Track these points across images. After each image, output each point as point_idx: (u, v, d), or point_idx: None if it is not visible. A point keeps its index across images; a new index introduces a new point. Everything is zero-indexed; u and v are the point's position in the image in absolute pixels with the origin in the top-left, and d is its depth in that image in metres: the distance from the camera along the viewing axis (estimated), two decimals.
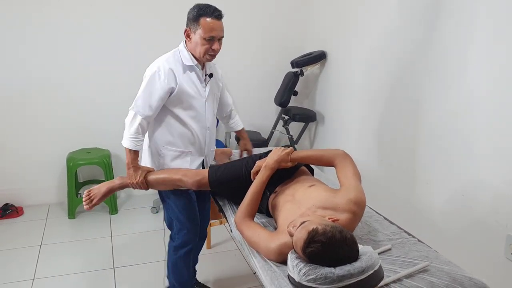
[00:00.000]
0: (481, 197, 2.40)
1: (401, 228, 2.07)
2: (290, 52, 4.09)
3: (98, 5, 3.65)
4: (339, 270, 1.44)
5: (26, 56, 3.59)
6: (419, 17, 2.78)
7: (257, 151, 2.80)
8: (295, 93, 3.93)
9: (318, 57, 3.90)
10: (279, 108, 4.07)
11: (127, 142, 2.21)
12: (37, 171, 3.83)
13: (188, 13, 2.22)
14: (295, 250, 1.59)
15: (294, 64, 3.86)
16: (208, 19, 2.16)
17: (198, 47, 2.20)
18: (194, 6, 2.21)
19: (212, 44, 2.20)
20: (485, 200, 2.38)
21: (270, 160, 2.10)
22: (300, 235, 1.54)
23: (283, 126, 4.05)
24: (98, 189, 2.32)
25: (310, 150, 2.20)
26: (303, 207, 1.88)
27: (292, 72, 3.89)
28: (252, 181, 2.10)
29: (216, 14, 2.17)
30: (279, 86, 4.01)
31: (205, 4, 2.20)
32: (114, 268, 2.97)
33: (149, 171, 2.29)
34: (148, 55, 3.79)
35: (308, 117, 4.02)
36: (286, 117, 4.02)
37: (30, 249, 3.19)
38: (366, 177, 3.32)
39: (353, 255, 1.51)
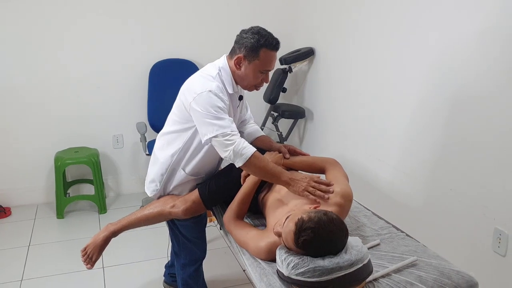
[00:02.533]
0: (469, 191, 2.41)
1: (389, 223, 2.08)
2: None
3: (84, 3, 3.62)
4: (328, 263, 1.44)
5: (11, 55, 3.56)
6: (407, 13, 2.79)
7: None
8: (284, 90, 3.92)
9: (307, 54, 3.90)
10: (268, 105, 4.07)
11: (246, 153, 1.88)
12: (24, 171, 3.79)
13: (244, 38, 1.98)
14: (286, 246, 1.58)
15: (282, 60, 3.85)
16: (270, 51, 1.98)
17: (249, 78, 2.02)
18: (252, 32, 1.98)
19: (264, 77, 2.05)
20: (473, 194, 2.39)
21: None
22: (288, 229, 1.54)
23: (273, 123, 4.04)
24: (94, 243, 2.17)
25: (303, 157, 2.21)
26: (291, 204, 1.88)
27: (281, 68, 3.89)
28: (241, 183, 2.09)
29: (277, 46, 2.00)
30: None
31: (265, 31, 2.00)
32: (103, 267, 2.95)
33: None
34: (136, 53, 3.82)
35: (297, 113, 4.02)
36: (275, 114, 4.02)
37: (18, 250, 3.16)
38: (354, 173, 3.34)
39: (344, 234, 1.52)
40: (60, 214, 3.62)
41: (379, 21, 3.05)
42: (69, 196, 3.78)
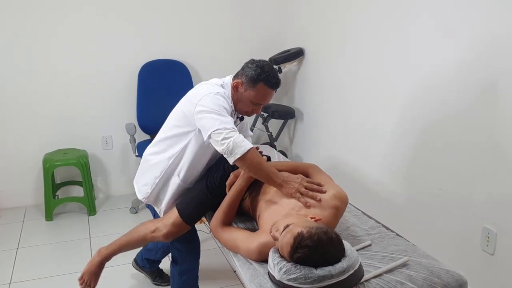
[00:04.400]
0: (458, 190, 2.43)
1: (379, 223, 2.09)
2: (267, 49, 4.08)
3: (74, 3, 3.60)
4: (320, 271, 1.44)
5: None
6: (395, 13, 2.81)
7: None
8: None
9: (296, 54, 3.91)
10: None
11: (244, 145, 1.88)
12: (13, 173, 3.75)
13: (248, 67, 2.08)
14: (281, 254, 1.56)
15: (272, 61, 3.85)
16: (267, 88, 2.06)
17: (241, 104, 2.12)
18: (257, 65, 2.06)
19: (255, 109, 2.13)
20: (461, 193, 2.41)
21: None
22: (286, 240, 1.52)
23: (263, 124, 4.05)
24: (89, 271, 2.22)
25: (284, 162, 2.25)
26: (287, 207, 1.85)
27: None
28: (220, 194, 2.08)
29: (276, 85, 2.08)
30: None
31: (269, 68, 2.08)
32: None
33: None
34: (125, 54, 3.80)
35: (287, 114, 4.03)
36: (265, 115, 4.02)
37: (6, 253, 3.12)
38: (344, 172, 3.35)
39: (340, 254, 1.51)
40: (49, 216, 3.59)
41: (367, 23, 3.06)
42: (58, 198, 3.75)
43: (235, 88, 2.10)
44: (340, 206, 1.84)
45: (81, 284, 2.22)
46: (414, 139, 2.71)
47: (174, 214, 2.12)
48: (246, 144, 1.89)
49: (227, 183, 2.09)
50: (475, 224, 2.34)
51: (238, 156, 1.88)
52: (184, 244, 2.30)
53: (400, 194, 2.86)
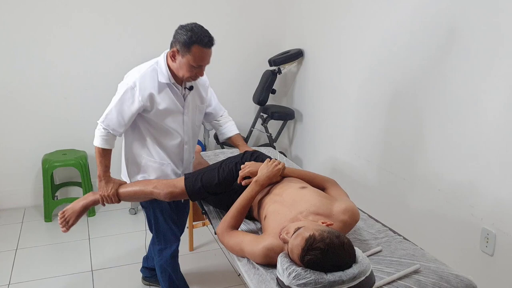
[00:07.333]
0: (457, 191, 2.43)
1: (385, 226, 2.07)
2: (267, 50, 4.10)
3: (73, 3, 3.60)
4: (331, 276, 1.42)
5: None
6: (393, 13, 2.81)
7: (235, 151, 2.78)
8: (273, 91, 3.93)
9: (296, 55, 3.91)
10: (258, 107, 4.07)
11: (96, 142, 2.23)
12: (12, 173, 3.75)
13: (178, 34, 2.08)
14: (290, 257, 1.54)
15: (271, 62, 3.86)
16: (202, 48, 2.06)
17: (183, 71, 2.12)
18: (186, 29, 2.06)
19: (198, 71, 2.13)
20: (460, 194, 2.41)
21: (261, 176, 2.03)
22: (297, 242, 1.50)
23: (262, 125, 4.05)
24: (72, 208, 2.29)
25: (302, 171, 2.21)
26: (294, 211, 1.83)
27: (270, 70, 3.90)
28: (236, 187, 2.07)
29: (210, 43, 2.09)
30: (257, 85, 4.01)
31: (199, 28, 2.08)
32: (92, 271, 2.93)
33: (120, 184, 2.25)
34: (125, 54, 3.80)
35: (286, 115, 4.03)
36: (265, 115, 4.02)
37: (5, 254, 3.12)
38: (342, 173, 3.35)
39: (351, 260, 1.49)
40: (48, 217, 3.59)
41: (367, 23, 3.06)
42: (57, 199, 3.75)
43: (172, 57, 2.12)
44: (349, 221, 1.81)
45: (60, 219, 2.27)
46: (413, 141, 2.71)
47: (180, 181, 2.19)
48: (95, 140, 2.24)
49: (240, 174, 2.10)
50: (474, 225, 2.34)
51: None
52: (169, 214, 2.34)
53: (398, 195, 2.85)
